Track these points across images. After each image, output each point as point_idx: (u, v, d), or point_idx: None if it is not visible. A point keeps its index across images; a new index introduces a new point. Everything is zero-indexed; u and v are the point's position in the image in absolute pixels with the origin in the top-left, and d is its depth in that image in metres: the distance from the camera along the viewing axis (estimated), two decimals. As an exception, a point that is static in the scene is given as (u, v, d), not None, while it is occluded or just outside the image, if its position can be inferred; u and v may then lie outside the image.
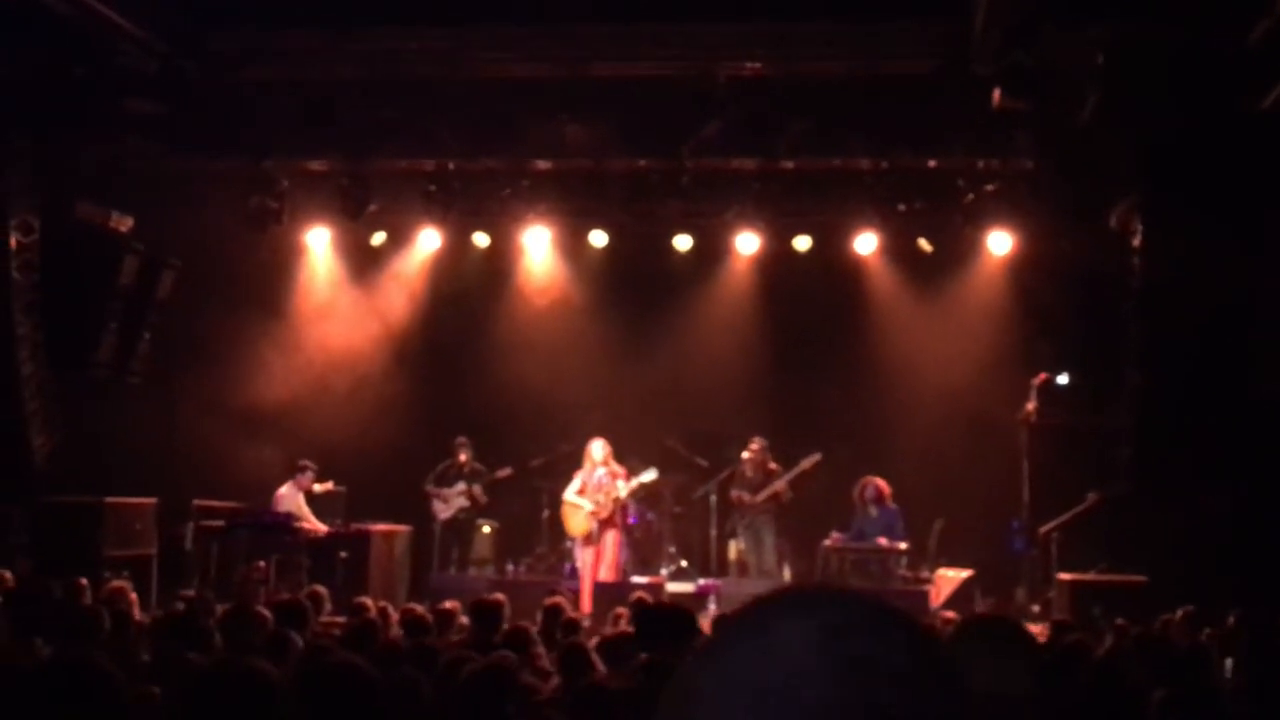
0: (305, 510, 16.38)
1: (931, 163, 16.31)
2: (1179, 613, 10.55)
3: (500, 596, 10.23)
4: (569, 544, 16.52)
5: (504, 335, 18.54)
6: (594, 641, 8.54)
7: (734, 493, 16.75)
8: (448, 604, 10.83)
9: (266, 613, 8.83)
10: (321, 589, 11.97)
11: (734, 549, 17.28)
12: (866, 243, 17.42)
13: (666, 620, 8.25)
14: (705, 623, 10.71)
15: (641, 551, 17.37)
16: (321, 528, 16.23)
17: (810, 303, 17.87)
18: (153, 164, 16.31)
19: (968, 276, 17.59)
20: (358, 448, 17.45)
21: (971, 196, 16.26)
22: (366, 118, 15.71)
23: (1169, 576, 12.97)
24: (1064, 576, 14.49)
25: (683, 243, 17.88)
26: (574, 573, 16.14)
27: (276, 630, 7.88)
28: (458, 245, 18.31)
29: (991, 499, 16.62)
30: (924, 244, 17.31)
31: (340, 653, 6.13)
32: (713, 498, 17.23)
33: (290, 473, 16.63)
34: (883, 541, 15.79)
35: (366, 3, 13.98)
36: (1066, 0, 12.41)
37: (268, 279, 18.29)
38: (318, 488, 16.78)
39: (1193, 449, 13.89)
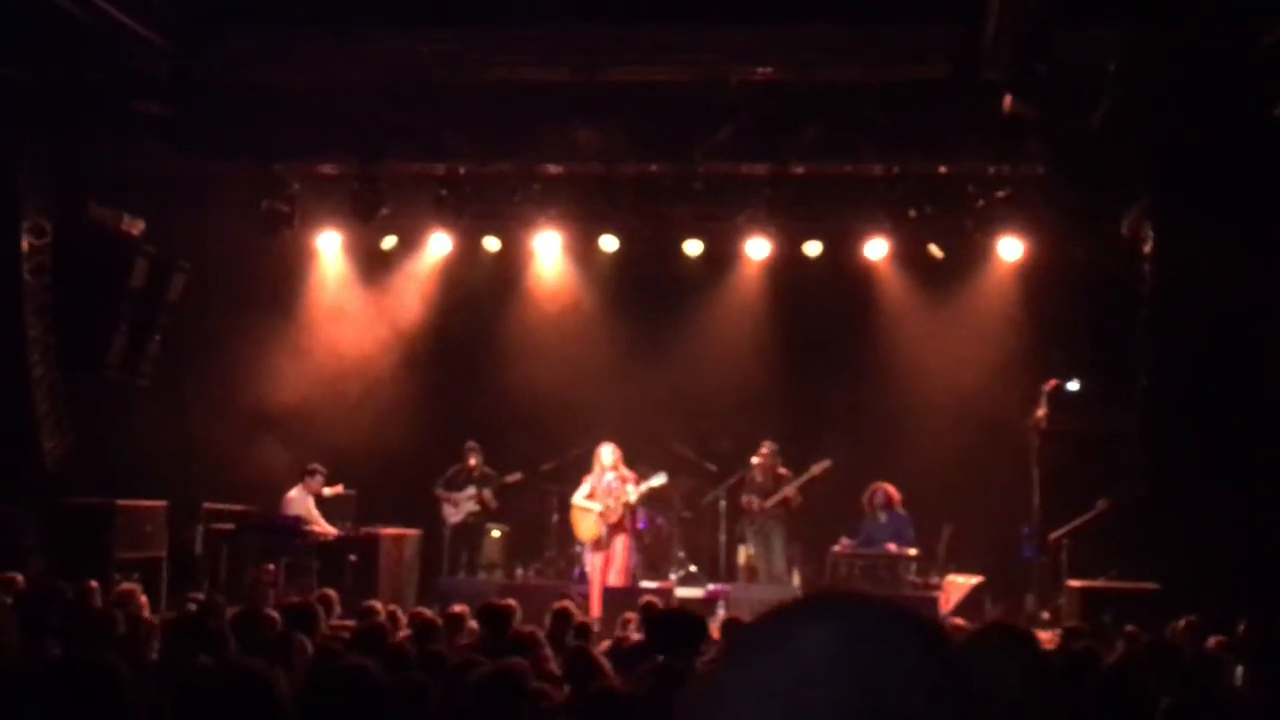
0: (315, 514, 16.38)
1: (942, 168, 16.30)
2: (1181, 622, 10.52)
3: (511, 602, 10.23)
4: (578, 548, 16.52)
5: (514, 339, 18.55)
6: (603, 646, 8.54)
7: (744, 498, 16.74)
8: (457, 608, 10.83)
9: (276, 615, 8.84)
10: (331, 592, 11.98)
11: (743, 554, 17.26)
12: (877, 248, 17.42)
13: (675, 625, 8.25)
14: (714, 627, 10.73)
15: (651, 556, 17.37)
16: (331, 531, 16.24)
17: (820, 308, 17.86)
18: (164, 167, 16.34)
19: (978, 282, 17.58)
20: (368, 451, 17.46)
21: (982, 202, 16.26)
22: (378, 121, 15.72)
23: (1180, 583, 12.94)
24: (1074, 583, 14.46)
25: (693, 248, 17.88)
26: (583, 577, 16.14)
27: (286, 633, 7.88)
28: (468, 249, 18.33)
29: (1001, 505, 16.59)
30: (934, 250, 17.30)
31: (349, 656, 6.14)
32: (722, 503, 17.22)
33: (300, 476, 16.64)
34: (892, 547, 15.78)
35: (378, 5, 13.98)
36: (1078, 6, 12.38)
37: (278, 282, 18.31)
38: (327, 491, 16.78)
39: (1204, 455, 13.86)
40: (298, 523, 15.97)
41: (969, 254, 17.29)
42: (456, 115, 15.75)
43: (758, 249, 17.63)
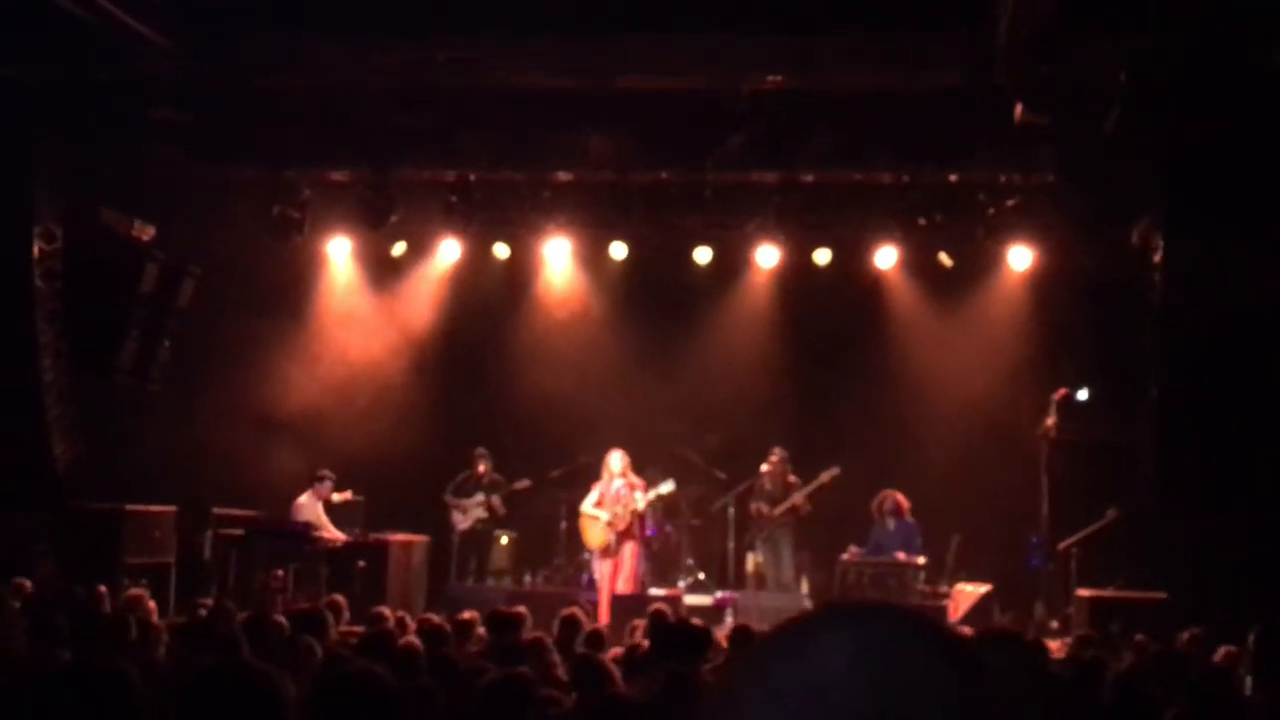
0: (324, 519, 16.39)
1: (953, 177, 16.30)
2: (1186, 634, 10.48)
3: (521, 609, 10.23)
4: (587, 555, 16.51)
5: (523, 346, 18.56)
6: (614, 654, 8.54)
7: (752, 505, 16.74)
8: (465, 614, 10.83)
9: (284, 621, 8.85)
10: (340, 598, 11.99)
11: (752, 562, 17.24)
12: (887, 257, 17.42)
13: (682, 635, 8.26)
14: (721, 635, 10.72)
15: (659, 563, 17.35)
16: (340, 537, 16.24)
17: (830, 316, 17.86)
18: (175, 172, 16.38)
19: (988, 291, 17.57)
20: (377, 457, 17.47)
21: (992, 211, 16.27)
22: (389, 127, 15.74)
23: (1189, 593, 12.92)
24: (1083, 592, 14.43)
25: (703, 255, 17.89)
26: (592, 584, 16.13)
27: (294, 637, 7.89)
28: (478, 256, 18.35)
29: (1010, 514, 16.57)
30: (944, 258, 17.30)
31: (359, 661, 6.14)
32: (731, 510, 17.20)
33: (309, 482, 16.65)
34: (901, 556, 15.76)
35: (390, 12, 14.00)
36: (1089, 15, 12.38)
37: (289, 288, 18.33)
38: (336, 497, 16.79)
39: (1213, 465, 13.85)
40: (307, 528, 15.99)
41: (979, 262, 17.28)
42: (467, 122, 15.78)
43: (767, 257, 17.64)
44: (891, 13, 13.46)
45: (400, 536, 16.53)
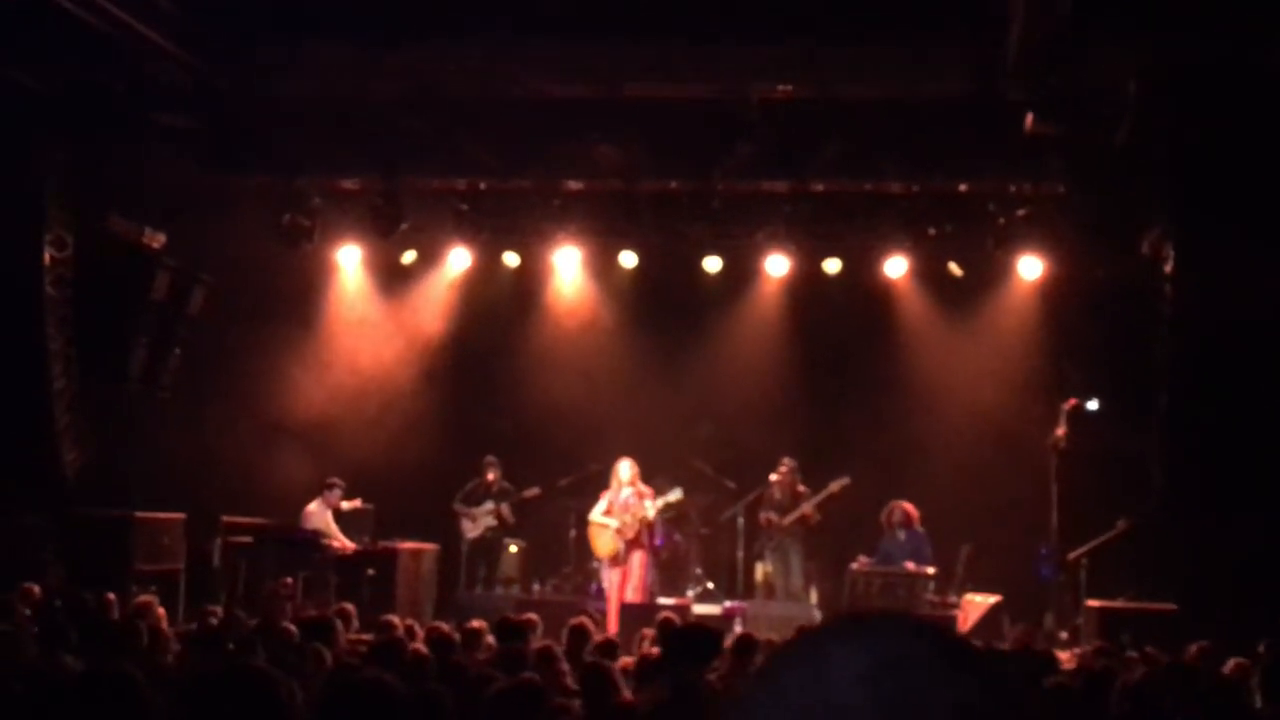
0: (333, 527, 16.40)
1: (962, 186, 16.29)
2: (1195, 646, 10.44)
3: (533, 616, 10.22)
4: (596, 564, 16.49)
5: (533, 355, 18.55)
6: (625, 663, 8.53)
7: (762, 514, 16.72)
8: (474, 623, 10.83)
9: (293, 628, 8.85)
10: (349, 606, 11.99)
11: (761, 571, 17.23)
12: (896, 266, 17.39)
13: (692, 641, 8.25)
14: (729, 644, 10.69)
15: (668, 572, 17.32)
16: (349, 545, 16.25)
17: (840, 326, 17.84)
18: (186, 180, 16.39)
19: (998, 301, 17.54)
20: (386, 465, 17.47)
21: (1002, 221, 16.24)
22: (399, 136, 15.76)
23: (1199, 604, 12.88)
24: (1093, 603, 14.41)
25: (712, 264, 17.87)
26: (600, 593, 16.11)
27: (303, 645, 7.90)
28: (488, 264, 18.35)
29: (1020, 524, 16.53)
30: (954, 268, 17.29)
31: (368, 669, 6.14)
32: (740, 519, 17.18)
33: (319, 490, 16.65)
34: (910, 566, 15.74)
35: (401, 20, 14.03)
36: (1099, 25, 12.38)
37: (299, 296, 18.35)
38: (346, 505, 16.79)
39: (1223, 476, 13.81)
40: (316, 536, 16.00)
41: (989, 272, 17.26)
42: (477, 130, 15.80)
43: (777, 266, 17.61)
44: (901, 22, 13.48)
45: (409, 545, 16.54)
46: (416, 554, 16.62)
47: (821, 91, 14.79)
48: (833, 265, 17.72)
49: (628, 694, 6.91)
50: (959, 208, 16.40)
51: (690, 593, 17.03)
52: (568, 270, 18.50)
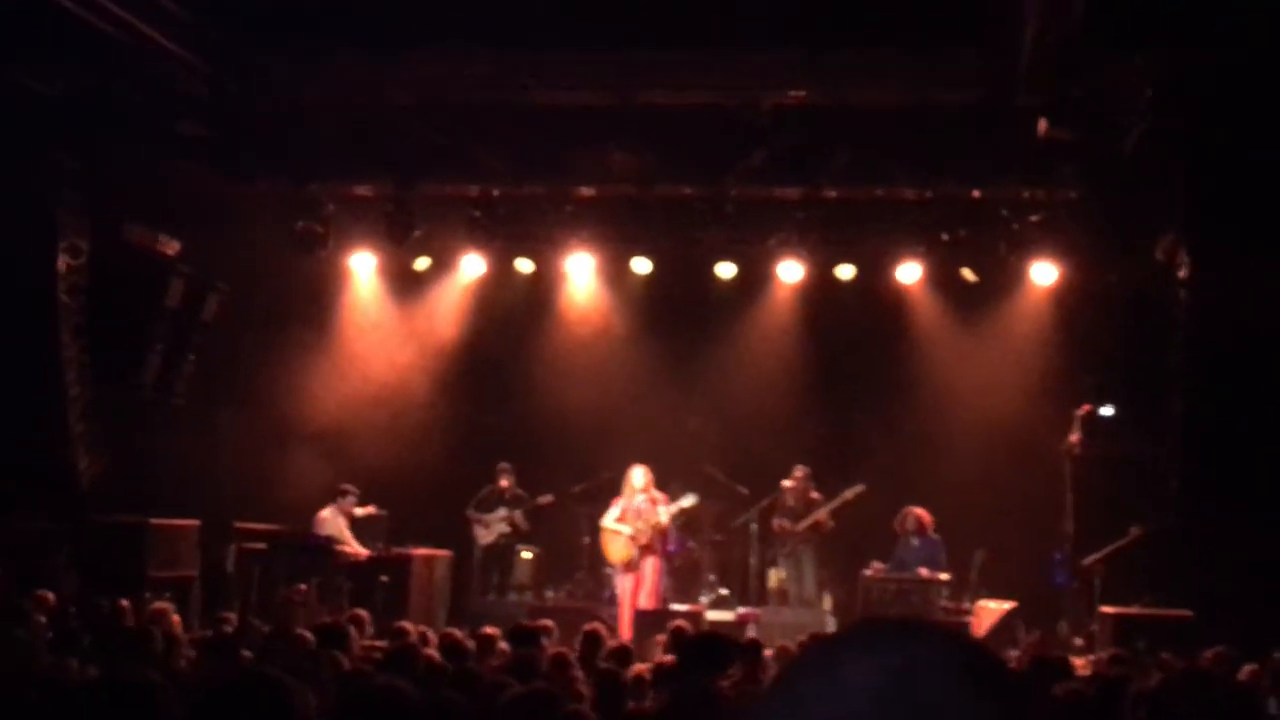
0: (347, 534, 16.41)
1: (976, 192, 16.26)
2: (1211, 653, 10.43)
3: (548, 622, 10.20)
4: (609, 571, 16.49)
5: (546, 361, 18.56)
6: (640, 669, 8.52)
7: (775, 521, 16.72)
8: (487, 629, 10.83)
9: (308, 635, 8.86)
10: (362, 613, 11.99)
11: (774, 577, 17.22)
12: (910, 272, 17.37)
13: (704, 647, 8.24)
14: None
15: (681, 579, 17.31)
16: (362, 551, 16.26)
17: (853, 332, 17.84)
18: (200, 187, 16.43)
19: (1011, 307, 17.51)
20: (400, 472, 17.49)
21: (1016, 226, 16.23)
22: (412, 143, 15.79)
23: (1214, 611, 12.84)
24: (1107, 610, 14.36)
25: (726, 270, 17.87)
26: (613, 599, 16.11)
27: (317, 652, 7.90)
28: (501, 271, 18.37)
29: (1034, 530, 16.51)
30: (968, 274, 17.25)
31: (382, 675, 6.15)
32: (753, 526, 17.17)
33: (332, 496, 16.66)
34: (924, 572, 15.71)
35: (414, 27, 14.05)
36: (1113, 32, 12.36)
37: (312, 303, 18.40)
38: (359, 511, 16.80)
39: (1238, 482, 13.78)
40: (330, 543, 16.00)
41: (1002, 278, 17.23)
42: (490, 137, 15.82)
43: (790, 272, 17.60)
44: (914, 28, 13.46)
45: (423, 551, 16.54)
46: (430, 560, 16.63)
47: (834, 97, 14.79)
48: (846, 271, 17.71)
49: (642, 701, 6.91)
50: (972, 213, 16.37)
51: (703, 599, 17.02)
52: (580, 277, 18.51)
